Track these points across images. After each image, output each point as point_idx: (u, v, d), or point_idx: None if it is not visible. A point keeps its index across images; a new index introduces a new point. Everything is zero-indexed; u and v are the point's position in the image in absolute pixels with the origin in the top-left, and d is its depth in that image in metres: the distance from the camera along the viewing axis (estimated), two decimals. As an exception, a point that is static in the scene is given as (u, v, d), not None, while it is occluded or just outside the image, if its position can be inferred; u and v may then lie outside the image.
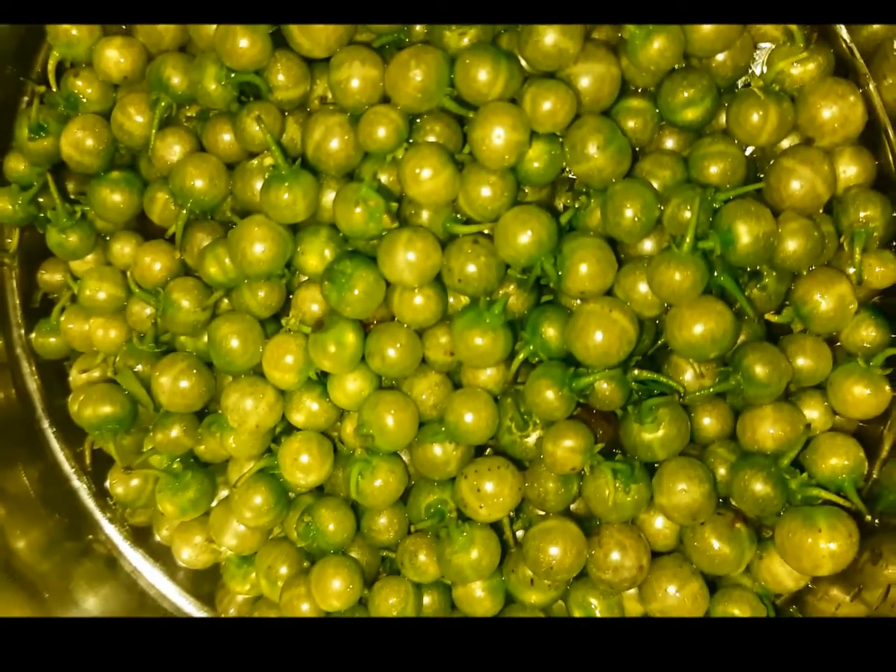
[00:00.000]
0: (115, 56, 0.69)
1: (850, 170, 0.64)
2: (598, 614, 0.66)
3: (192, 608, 0.78)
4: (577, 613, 0.66)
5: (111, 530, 0.79)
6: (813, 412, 0.65)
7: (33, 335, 0.79)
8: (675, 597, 0.63)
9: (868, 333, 0.64)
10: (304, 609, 0.68)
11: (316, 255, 0.65)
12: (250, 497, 0.68)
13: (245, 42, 0.62)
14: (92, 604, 0.75)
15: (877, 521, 0.63)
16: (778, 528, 0.63)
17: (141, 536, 0.79)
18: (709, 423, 0.65)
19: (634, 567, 0.63)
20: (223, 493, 0.74)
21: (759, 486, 0.61)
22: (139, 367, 0.71)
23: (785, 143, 0.65)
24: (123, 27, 0.71)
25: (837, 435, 0.64)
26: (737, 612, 0.64)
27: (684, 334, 0.60)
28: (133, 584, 0.79)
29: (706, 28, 0.61)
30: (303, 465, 0.66)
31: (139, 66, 0.69)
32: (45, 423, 0.80)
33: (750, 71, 0.66)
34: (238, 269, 0.65)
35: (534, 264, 0.61)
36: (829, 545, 0.60)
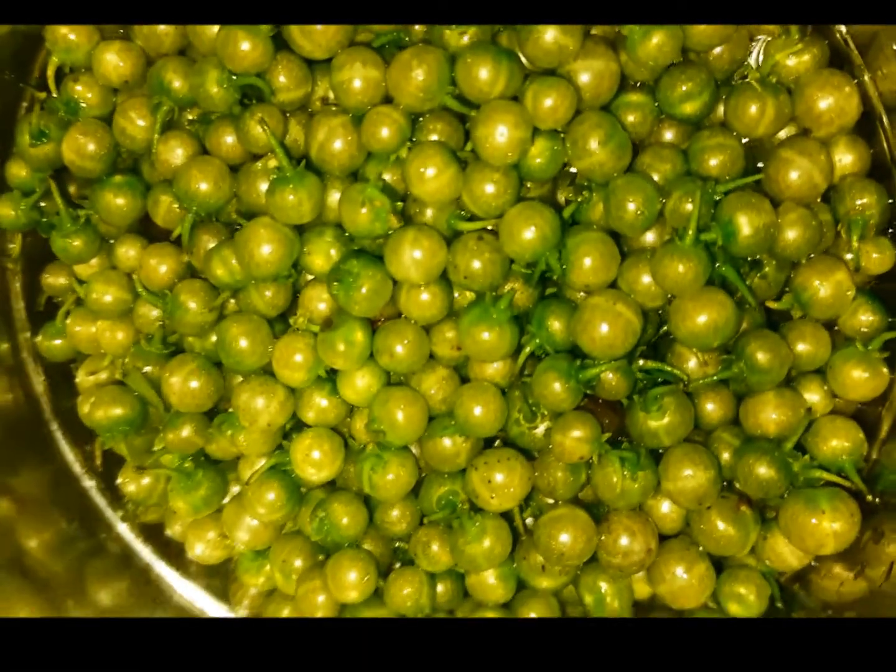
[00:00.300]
0: (115, 60, 0.69)
1: (846, 159, 0.65)
2: (607, 598, 0.67)
3: (205, 602, 0.78)
4: (587, 597, 0.68)
5: (123, 528, 0.79)
6: (813, 396, 0.66)
7: (39, 338, 0.79)
8: (683, 578, 0.65)
9: (866, 318, 0.65)
10: (321, 601, 0.69)
11: (322, 255, 0.65)
12: (263, 493, 0.68)
13: (246, 45, 0.62)
14: (106, 600, 0.76)
15: (878, 500, 0.64)
16: (782, 510, 0.64)
17: (153, 533, 0.79)
18: (712, 409, 0.66)
19: (643, 551, 0.64)
20: (234, 489, 0.75)
21: (763, 470, 0.63)
22: (148, 369, 0.72)
23: (782, 134, 0.66)
24: (121, 31, 0.70)
25: (837, 418, 0.66)
26: (742, 591, 0.66)
27: (688, 325, 0.61)
28: (146, 579, 0.79)
29: (703, 23, 0.62)
30: (315, 460, 0.67)
31: (139, 71, 0.69)
32: (54, 426, 0.80)
33: (746, 63, 0.66)
34: (245, 270, 0.65)
35: (538, 259, 0.62)
36: (832, 525, 0.61)
